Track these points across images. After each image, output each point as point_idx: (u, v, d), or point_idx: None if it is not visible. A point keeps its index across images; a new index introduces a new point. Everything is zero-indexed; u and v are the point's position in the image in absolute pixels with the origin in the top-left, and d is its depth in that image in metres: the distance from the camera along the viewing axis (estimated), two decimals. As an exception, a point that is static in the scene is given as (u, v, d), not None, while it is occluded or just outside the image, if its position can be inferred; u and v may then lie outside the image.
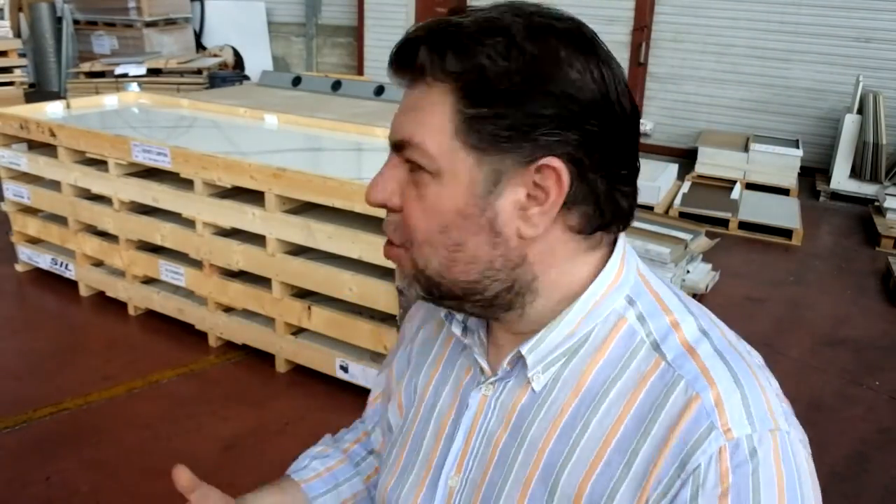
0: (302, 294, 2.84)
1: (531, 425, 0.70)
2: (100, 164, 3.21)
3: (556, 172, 0.64)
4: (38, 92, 8.17)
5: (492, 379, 0.74)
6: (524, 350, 0.70)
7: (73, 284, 3.57)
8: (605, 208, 0.67)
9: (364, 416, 1.06)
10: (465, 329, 0.78)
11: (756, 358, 0.71)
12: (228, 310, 3.08)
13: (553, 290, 0.70)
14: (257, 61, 8.03)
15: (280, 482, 0.98)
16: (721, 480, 0.60)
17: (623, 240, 0.73)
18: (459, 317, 0.77)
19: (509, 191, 0.65)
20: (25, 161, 3.49)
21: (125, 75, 6.28)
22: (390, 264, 2.86)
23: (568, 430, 0.67)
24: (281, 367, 2.95)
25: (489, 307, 0.70)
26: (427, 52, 0.64)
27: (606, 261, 0.71)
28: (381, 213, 0.72)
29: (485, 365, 0.75)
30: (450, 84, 0.64)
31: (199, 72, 6.52)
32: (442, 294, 0.70)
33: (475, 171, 0.65)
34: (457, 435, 0.76)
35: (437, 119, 0.65)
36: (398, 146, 0.68)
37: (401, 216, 0.69)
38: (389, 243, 0.73)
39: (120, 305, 3.42)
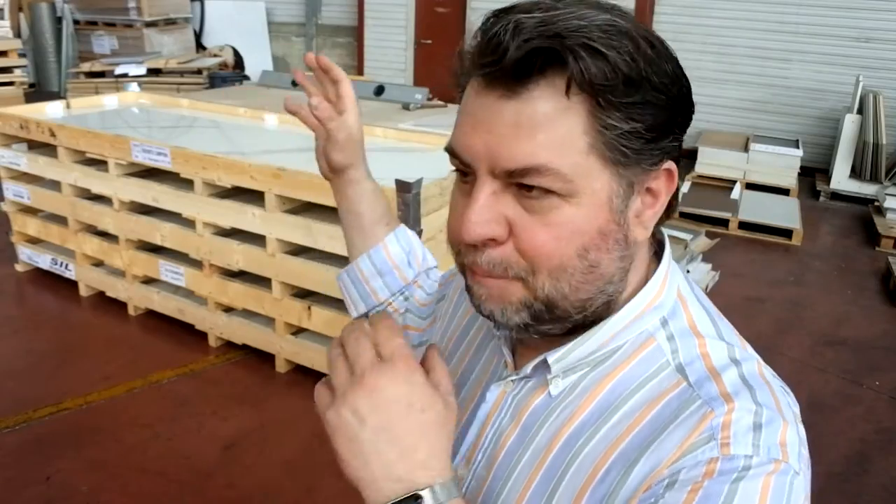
0: (302, 294, 2.84)
1: (540, 429, 0.69)
2: (100, 164, 3.21)
3: (672, 174, 0.63)
4: (38, 92, 8.17)
5: (513, 376, 0.72)
6: (550, 360, 0.68)
7: (73, 284, 3.57)
8: (672, 205, 0.66)
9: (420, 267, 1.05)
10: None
11: (790, 398, 0.66)
12: (228, 310, 3.08)
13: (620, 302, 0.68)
14: (257, 61, 8.04)
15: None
16: (695, 477, 0.57)
17: (669, 254, 0.70)
18: None
19: (635, 199, 0.63)
20: (25, 161, 3.49)
21: (125, 75, 6.28)
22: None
23: (575, 438, 0.66)
24: (281, 367, 2.95)
25: (583, 326, 0.67)
26: (565, 56, 0.56)
27: (649, 271, 0.69)
28: None
29: (509, 360, 0.74)
30: (585, 93, 0.57)
31: (199, 72, 6.52)
32: (552, 318, 0.64)
33: (613, 186, 0.61)
34: (471, 426, 0.75)
35: (568, 136, 0.58)
36: (517, 174, 0.59)
37: (506, 248, 0.62)
38: (479, 276, 0.64)
39: (120, 305, 3.42)
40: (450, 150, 0.64)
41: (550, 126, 0.58)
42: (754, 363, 0.66)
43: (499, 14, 0.60)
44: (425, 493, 0.54)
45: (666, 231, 0.73)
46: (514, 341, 0.75)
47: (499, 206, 0.61)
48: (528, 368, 0.70)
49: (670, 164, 0.63)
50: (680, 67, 0.62)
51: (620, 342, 0.67)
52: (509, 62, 0.56)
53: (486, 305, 0.65)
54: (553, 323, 0.65)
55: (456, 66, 0.66)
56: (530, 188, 0.59)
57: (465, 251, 0.64)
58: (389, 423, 0.56)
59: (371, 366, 0.57)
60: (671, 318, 0.68)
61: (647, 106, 0.59)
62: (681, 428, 0.60)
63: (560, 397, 0.69)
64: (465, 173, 0.63)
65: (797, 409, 0.66)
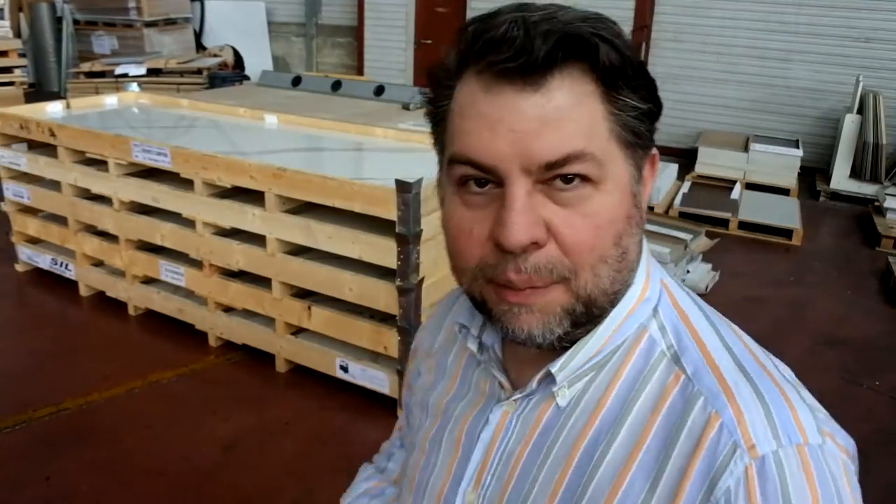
0: (302, 294, 2.84)
1: (555, 442, 0.67)
2: (100, 164, 3.21)
3: (656, 159, 0.66)
4: (38, 92, 8.17)
5: (516, 395, 0.70)
6: (554, 369, 0.66)
7: (73, 284, 3.57)
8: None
9: (395, 440, 1.03)
10: (480, 345, 0.74)
11: (785, 372, 0.66)
12: (228, 310, 3.07)
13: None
14: (257, 61, 8.03)
15: None
16: (741, 491, 0.57)
17: (646, 246, 0.69)
18: (474, 331, 0.74)
19: (640, 182, 0.65)
20: (25, 161, 3.49)
21: (125, 75, 6.28)
22: (390, 263, 2.83)
23: (591, 451, 0.65)
24: (281, 367, 2.95)
25: (601, 319, 0.66)
26: (593, 43, 0.58)
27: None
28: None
29: (505, 382, 0.72)
30: (595, 82, 0.59)
31: (199, 72, 6.52)
32: (588, 319, 0.64)
33: (629, 170, 0.62)
34: (475, 451, 0.73)
35: (593, 121, 0.59)
36: (558, 164, 0.58)
37: (549, 249, 0.59)
38: (515, 295, 0.62)
39: (120, 305, 3.42)
40: (461, 158, 0.60)
41: (576, 114, 0.58)
42: (743, 345, 0.66)
43: (489, 18, 0.59)
44: None
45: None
46: (502, 363, 0.73)
47: (535, 207, 0.58)
48: (534, 384, 0.68)
49: (655, 150, 0.65)
50: None
51: (619, 340, 0.66)
52: (538, 55, 0.56)
53: (522, 326, 0.62)
54: (585, 326, 0.64)
55: (439, 75, 0.64)
56: (568, 179, 0.58)
57: (493, 268, 0.61)
58: None
59: None
60: (661, 308, 0.68)
61: (648, 87, 0.61)
62: (691, 433, 0.60)
63: (569, 408, 0.67)
64: (481, 182, 0.60)
65: (791, 375, 0.66)
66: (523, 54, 0.56)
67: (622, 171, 0.61)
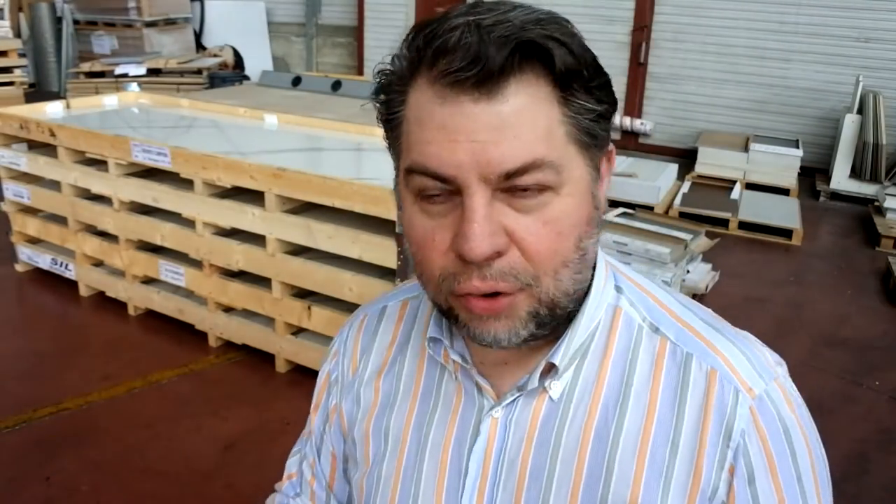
0: (302, 294, 2.84)
1: (560, 435, 0.67)
2: (100, 164, 3.21)
3: (612, 155, 0.67)
4: (38, 92, 8.17)
5: (508, 400, 0.70)
6: (556, 359, 0.67)
7: (73, 284, 3.57)
8: None
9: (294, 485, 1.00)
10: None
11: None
12: (228, 310, 3.07)
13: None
14: (257, 61, 8.03)
15: None
16: (762, 441, 0.65)
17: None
18: (447, 342, 0.73)
19: (598, 181, 0.65)
20: (25, 161, 3.49)
21: (125, 75, 6.28)
22: (390, 263, 2.82)
23: (602, 435, 0.66)
24: (281, 367, 2.95)
25: (571, 315, 0.67)
26: (548, 48, 0.56)
27: None
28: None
29: (489, 387, 0.71)
30: (551, 85, 0.58)
31: (199, 72, 6.52)
32: (552, 319, 0.64)
33: (587, 170, 0.62)
34: (469, 466, 0.71)
35: (550, 127, 0.58)
36: (517, 174, 0.57)
37: (512, 256, 0.59)
38: (479, 304, 0.61)
39: (120, 305, 3.42)
40: (419, 168, 0.60)
41: (533, 120, 0.57)
42: (690, 301, 0.74)
43: (440, 21, 0.57)
44: None
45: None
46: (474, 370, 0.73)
47: (495, 216, 0.58)
48: (535, 380, 0.68)
49: (611, 145, 0.66)
50: None
51: (595, 322, 0.69)
52: (493, 63, 0.55)
53: (489, 330, 0.63)
54: (549, 325, 0.65)
55: (391, 80, 0.63)
56: (525, 188, 0.58)
57: (455, 278, 0.61)
58: None
59: None
60: (622, 285, 0.72)
61: (604, 87, 0.61)
62: (696, 391, 0.66)
63: (564, 400, 0.68)
64: (434, 193, 0.60)
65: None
66: (478, 63, 0.55)
67: (581, 173, 0.61)
